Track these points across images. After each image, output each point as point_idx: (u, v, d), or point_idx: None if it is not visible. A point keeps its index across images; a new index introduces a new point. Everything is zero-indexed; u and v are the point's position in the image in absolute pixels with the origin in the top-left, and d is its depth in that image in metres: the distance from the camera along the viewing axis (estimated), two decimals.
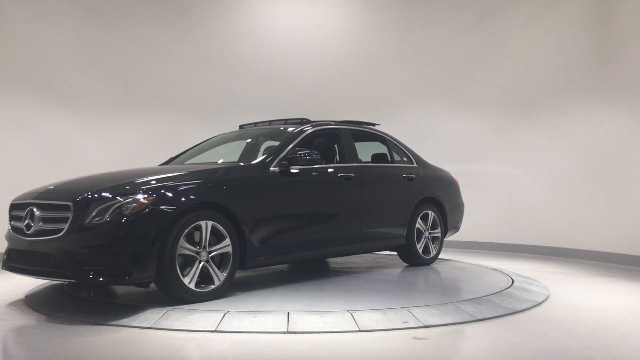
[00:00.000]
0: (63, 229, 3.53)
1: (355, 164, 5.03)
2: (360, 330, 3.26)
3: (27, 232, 3.70)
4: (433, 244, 5.76)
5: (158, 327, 3.25)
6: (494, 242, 7.72)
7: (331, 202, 4.78)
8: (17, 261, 3.81)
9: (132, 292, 4.15)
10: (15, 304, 3.96)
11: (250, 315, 3.40)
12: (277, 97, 8.18)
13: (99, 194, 3.60)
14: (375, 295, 4.11)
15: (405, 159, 5.78)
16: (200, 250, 3.73)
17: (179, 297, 3.63)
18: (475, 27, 8.14)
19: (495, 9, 8.00)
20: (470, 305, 3.82)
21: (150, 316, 3.39)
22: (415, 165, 5.77)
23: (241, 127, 5.63)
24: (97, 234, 3.46)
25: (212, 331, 3.20)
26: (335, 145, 5.17)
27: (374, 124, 5.81)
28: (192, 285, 3.65)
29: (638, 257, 6.33)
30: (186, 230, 3.64)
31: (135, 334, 3.15)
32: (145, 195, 3.57)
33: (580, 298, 4.46)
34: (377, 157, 5.60)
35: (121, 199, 3.53)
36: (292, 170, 4.41)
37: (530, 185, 7.57)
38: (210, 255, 3.78)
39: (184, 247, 3.63)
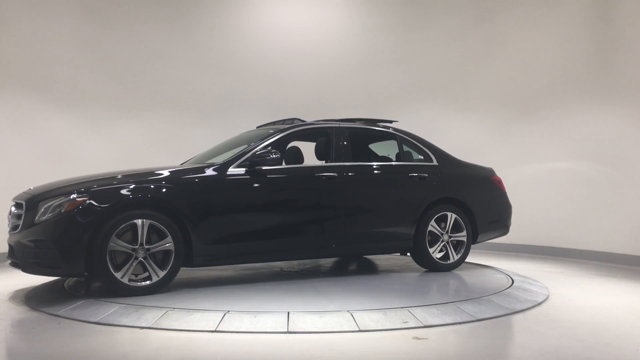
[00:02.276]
0: (19, 225, 3.96)
1: (340, 164, 4.86)
2: (360, 330, 3.26)
3: (9, 228, 4.19)
4: (456, 249, 5.32)
5: (158, 327, 3.25)
6: (494, 242, 7.71)
7: (303, 202, 4.69)
8: (8, 253, 4.21)
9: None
10: (15, 304, 3.97)
11: (250, 315, 3.40)
12: (278, 97, 8.17)
13: (46, 194, 3.95)
14: (376, 295, 4.10)
15: (422, 156, 5.46)
16: (137, 247, 3.89)
17: (113, 290, 3.87)
18: (475, 27, 8.15)
19: (495, 10, 8.01)
20: (470, 305, 3.82)
21: (150, 316, 3.39)
22: (434, 163, 5.39)
23: (258, 127, 5.59)
24: (39, 230, 3.83)
25: (212, 331, 3.19)
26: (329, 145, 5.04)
27: (390, 121, 5.62)
28: (125, 280, 3.87)
29: (638, 257, 6.33)
30: (119, 228, 3.84)
31: (135, 334, 3.15)
32: (79, 195, 3.85)
33: (580, 298, 4.46)
34: (397, 157, 5.46)
35: (59, 199, 3.86)
36: (259, 171, 4.42)
37: (530, 185, 7.56)
38: (150, 252, 3.94)
39: (117, 244, 3.84)
